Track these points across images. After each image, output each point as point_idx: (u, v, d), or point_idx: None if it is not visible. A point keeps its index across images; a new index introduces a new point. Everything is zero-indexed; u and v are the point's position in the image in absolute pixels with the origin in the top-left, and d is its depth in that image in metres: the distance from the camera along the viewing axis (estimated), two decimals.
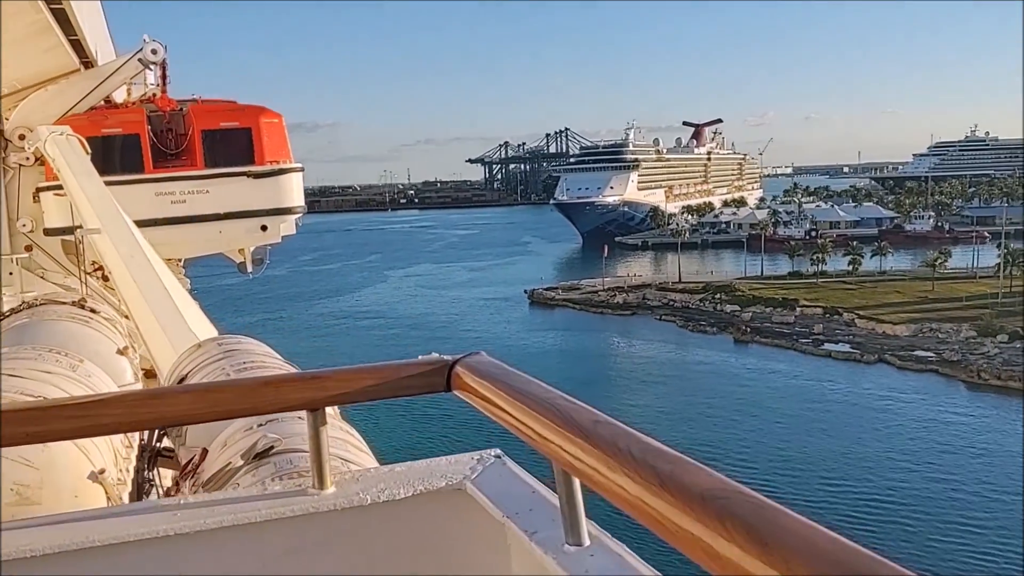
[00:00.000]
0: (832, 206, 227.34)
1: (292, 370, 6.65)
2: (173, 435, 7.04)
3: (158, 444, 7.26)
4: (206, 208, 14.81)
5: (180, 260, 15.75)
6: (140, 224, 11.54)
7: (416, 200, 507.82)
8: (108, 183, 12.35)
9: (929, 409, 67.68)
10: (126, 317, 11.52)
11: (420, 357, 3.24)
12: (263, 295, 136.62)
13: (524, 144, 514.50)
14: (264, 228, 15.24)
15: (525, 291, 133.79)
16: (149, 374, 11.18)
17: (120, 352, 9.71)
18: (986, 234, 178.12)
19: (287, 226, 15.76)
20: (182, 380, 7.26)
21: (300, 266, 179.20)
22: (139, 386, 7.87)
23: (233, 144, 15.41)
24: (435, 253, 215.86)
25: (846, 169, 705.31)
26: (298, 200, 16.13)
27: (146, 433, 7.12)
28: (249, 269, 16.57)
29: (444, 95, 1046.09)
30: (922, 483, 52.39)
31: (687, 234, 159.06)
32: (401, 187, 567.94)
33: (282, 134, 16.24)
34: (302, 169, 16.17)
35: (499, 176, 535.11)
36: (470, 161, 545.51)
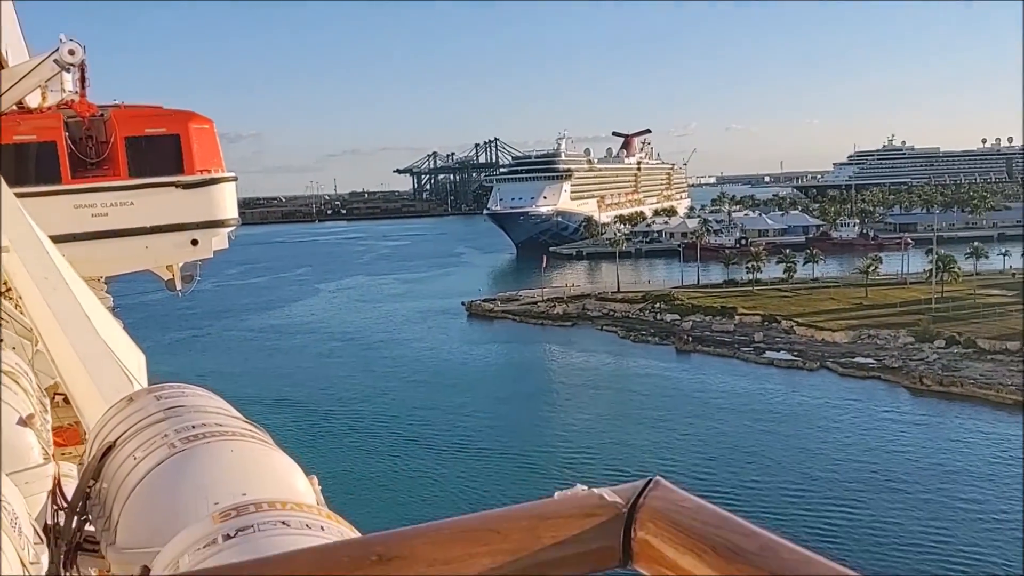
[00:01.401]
0: (760, 215, 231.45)
1: (251, 428, 5.37)
2: (95, 516, 5.15)
3: (78, 534, 5.27)
4: (130, 222, 13.59)
5: (101, 277, 14.34)
6: (57, 240, 10.51)
7: (344, 211, 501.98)
8: (20, 195, 10.97)
9: (874, 415, 68.06)
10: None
11: (557, 495, 1.98)
12: (190, 311, 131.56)
13: (453, 154, 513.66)
14: (195, 242, 14.06)
15: (462, 303, 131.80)
16: (64, 435, 9.58)
17: (24, 422, 7.33)
18: (910, 240, 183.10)
19: (219, 240, 14.53)
20: (110, 448, 5.56)
21: (227, 280, 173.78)
22: (49, 468, 5.83)
23: (160, 152, 14.17)
24: (367, 265, 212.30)
25: (767, 178, 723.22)
26: (231, 212, 14.60)
27: (61, 514, 5.42)
28: (178, 287, 15.26)
29: (370, 104, 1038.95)
30: (879, 489, 52.16)
31: (623, 244, 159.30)
32: (328, 198, 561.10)
33: (213, 141, 14.81)
34: (235, 179, 14.66)
35: (428, 186, 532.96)
36: (398, 171, 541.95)
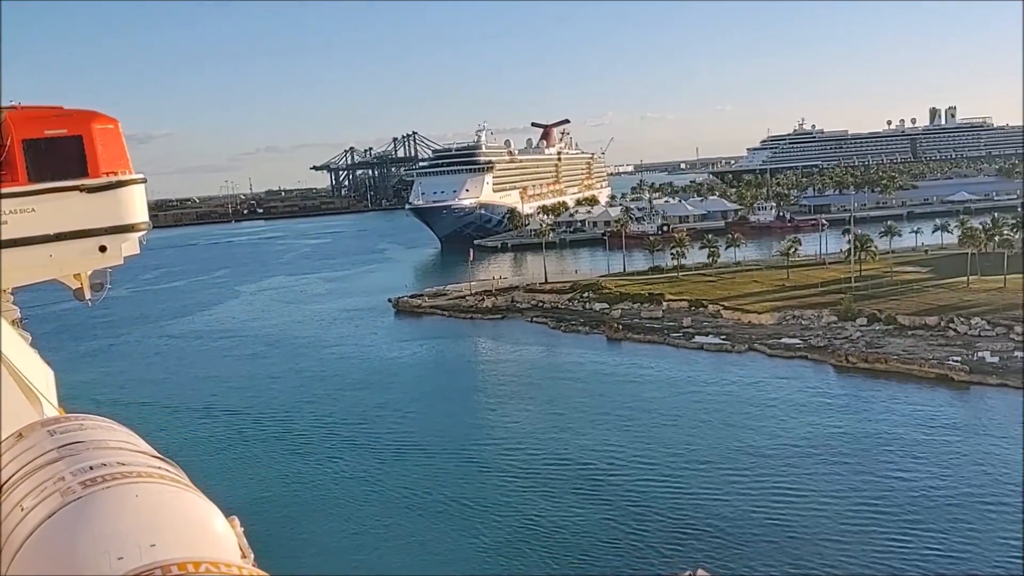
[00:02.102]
0: (680, 201, 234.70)
1: (161, 465, 4.96)
2: None
3: None
4: (32, 229, 12.62)
5: (9, 289, 13.37)
6: None
7: (261, 210, 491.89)
8: None
9: (804, 394, 69.12)
10: None
11: None
12: (104, 319, 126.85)
13: (371, 149, 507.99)
14: (103, 249, 13.13)
15: (389, 300, 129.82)
16: None
17: None
18: (824, 222, 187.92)
19: (129, 245, 13.55)
20: None
21: (143, 286, 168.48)
22: None
23: (62, 154, 13.17)
24: (288, 264, 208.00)
25: (683, 165, 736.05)
26: (141, 215, 13.57)
27: None
28: (87, 296, 14.05)
29: (285, 101, 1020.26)
30: (817, 466, 52.82)
31: (549, 234, 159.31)
32: (244, 197, 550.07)
33: (119, 142, 13.83)
34: (144, 180, 13.67)
35: (347, 183, 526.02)
36: (315, 168, 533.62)
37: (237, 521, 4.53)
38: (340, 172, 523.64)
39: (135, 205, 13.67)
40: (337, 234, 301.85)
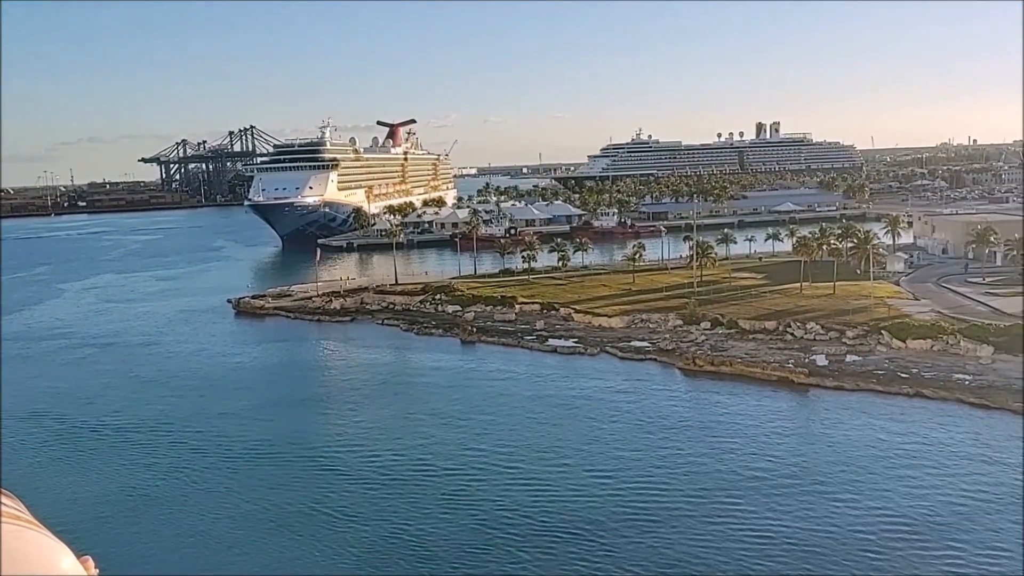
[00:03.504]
0: (526, 205, 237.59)
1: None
2: None
3: None
4: None
5: None
6: None
7: (83, 204, 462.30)
8: None
9: (654, 396, 70.79)
10: None
11: None
12: None
13: (205, 142, 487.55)
14: None
15: (229, 300, 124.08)
16: None
17: None
18: (662, 228, 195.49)
19: None
20: None
21: None
22: None
23: None
24: (116, 262, 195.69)
25: (525, 170, 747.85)
26: None
27: None
28: None
29: (110, 89, 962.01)
30: (669, 466, 53.97)
31: (402, 235, 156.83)
32: (64, 189, 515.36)
33: None
34: None
35: (178, 176, 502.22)
36: (144, 160, 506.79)
37: (91, 562, 3.84)
38: (171, 165, 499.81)
39: None
40: (169, 230, 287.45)
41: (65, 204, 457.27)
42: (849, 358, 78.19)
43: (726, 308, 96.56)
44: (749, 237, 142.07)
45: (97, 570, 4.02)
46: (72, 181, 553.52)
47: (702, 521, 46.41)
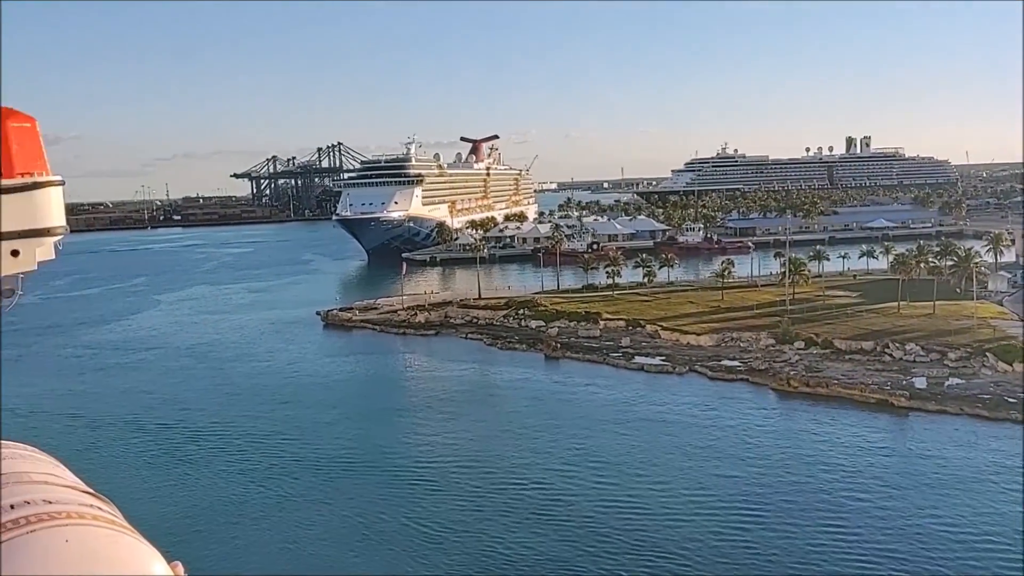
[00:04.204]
0: (609, 220, 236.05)
1: (93, 502, 4.35)
2: None
3: None
4: None
5: None
6: None
7: (178, 217, 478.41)
8: None
9: (748, 418, 68.77)
10: None
11: None
12: (14, 327, 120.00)
13: (294, 158, 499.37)
14: (15, 253, 12.05)
15: (317, 312, 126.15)
16: None
17: None
18: (750, 244, 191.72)
19: (45, 250, 12.47)
20: None
21: (54, 292, 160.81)
22: None
23: None
24: (210, 274, 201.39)
25: (606, 184, 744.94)
26: (59, 219, 12.63)
27: None
28: None
29: (202, 106, 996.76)
30: (767, 493, 52.19)
31: (485, 250, 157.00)
32: (160, 203, 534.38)
33: (36, 141, 12.81)
34: (63, 183, 12.41)
35: (268, 191, 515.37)
36: (236, 176, 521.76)
37: (181, 567, 4.05)
38: (262, 181, 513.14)
39: (52, 208, 12.88)
40: (259, 243, 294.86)
41: (161, 218, 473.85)
42: (951, 381, 74.85)
43: (820, 327, 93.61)
44: (843, 254, 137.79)
45: (186, 574, 4.15)
46: (167, 195, 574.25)
47: (803, 547, 44.65)
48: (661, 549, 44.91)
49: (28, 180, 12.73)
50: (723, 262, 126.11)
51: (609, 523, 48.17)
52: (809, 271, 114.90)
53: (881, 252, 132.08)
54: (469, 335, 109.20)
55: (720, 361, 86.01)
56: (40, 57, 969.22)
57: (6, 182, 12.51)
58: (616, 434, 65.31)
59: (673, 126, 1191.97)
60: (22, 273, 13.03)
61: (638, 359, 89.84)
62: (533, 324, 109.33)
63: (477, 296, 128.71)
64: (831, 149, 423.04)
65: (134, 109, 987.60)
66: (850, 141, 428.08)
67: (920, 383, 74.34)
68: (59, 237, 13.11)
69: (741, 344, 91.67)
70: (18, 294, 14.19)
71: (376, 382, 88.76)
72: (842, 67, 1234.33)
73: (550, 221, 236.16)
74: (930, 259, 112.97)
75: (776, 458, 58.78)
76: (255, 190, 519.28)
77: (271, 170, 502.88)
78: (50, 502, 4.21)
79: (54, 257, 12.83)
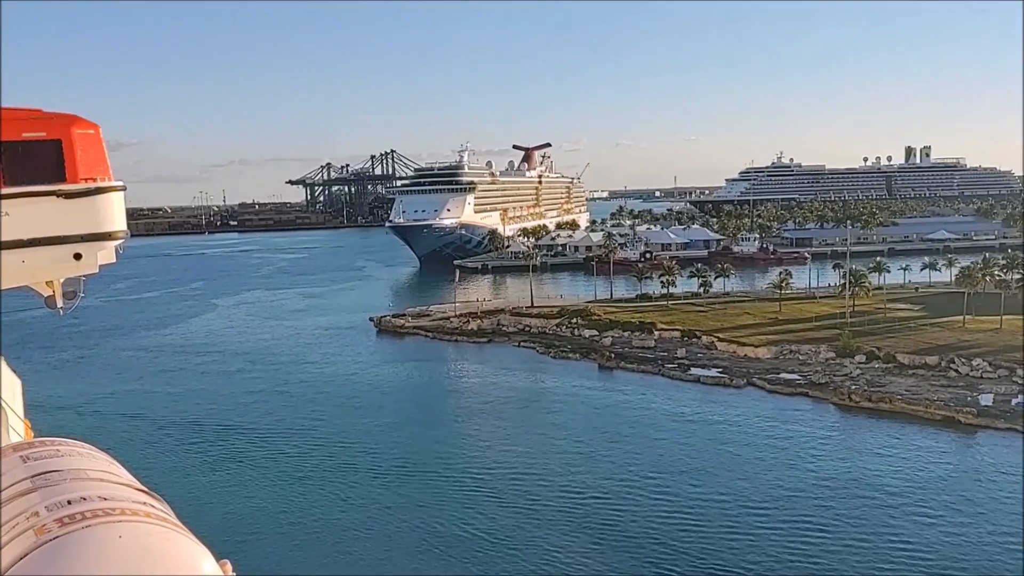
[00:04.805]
0: (662, 229, 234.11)
1: (146, 500, 4.56)
2: None
3: None
4: (5, 234, 11.89)
5: None
6: None
7: (234, 223, 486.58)
8: None
9: (810, 434, 67.25)
10: None
11: None
12: (76, 329, 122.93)
13: (348, 165, 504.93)
14: (78, 257, 12.25)
15: (370, 319, 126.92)
16: None
17: None
18: (807, 255, 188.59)
19: (106, 254, 12.72)
20: None
21: (115, 295, 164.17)
22: None
23: (39, 158, 12.38)
24: (265, 279, 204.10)
25: (658, 193, 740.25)
26: (120, 224, 12.86)
27: None
28: (59, 304, 13.06)
29: (257, 114, 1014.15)
30: (833, 513, 50.83)
31: (538, 258, 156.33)
32: (217, 209, 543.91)
33: (100, 147, 12.94)
34: (124, 188, 12.66)
35: (322, 198, 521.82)
36: (291, 182, 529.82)
37: (229, 566, 4.17)
38: (316, 187, 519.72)
39: (113, 213, 12.47)
40: (313, 249, 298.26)
41: (218, 223, 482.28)
42: (1020, 399, 72.27)
43: (882, 341, 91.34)
44: (904, 266, 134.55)
45: (235, 574, 4.23)
46: (224, 201, 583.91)
47: (870, 570, 43.32)
48: (725, 564, 43.94)
49: (91, 185, 12.35)
50: (780, 273, 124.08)
51: (670, 538, 47.29)
52: (870, 283, 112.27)
53: (944, 264, 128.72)
54: (522, 343, 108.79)
55: (779, 374, 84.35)
56: (101, 63, 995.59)
57: (69, 187, 12.28)
58: (674, 446, 64.33)
59: (725, 135, 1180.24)
60: (84, 276, 12.84)
61: (694, 371, 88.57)
62: (586, 333, 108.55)
63: (529, 304, 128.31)
64: (889, 159, 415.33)
65: (192, 116, 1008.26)
66: (909, 151, 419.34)
67: (986, 400, 72.02)
68: (120, 241, 13.30)
69: (800, 357, 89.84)
70: (80, 296, 14.57)
71: (430, 389, 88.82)
72: (902, 75, 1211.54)
73: (602, 229, 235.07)
74: (996, 272, 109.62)
75: (840, 476, 57.27)
76: (309, 196, 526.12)
77: (325, 177, 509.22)
78: (105, 499, 4.38)
79: (115, 261, 13.14)
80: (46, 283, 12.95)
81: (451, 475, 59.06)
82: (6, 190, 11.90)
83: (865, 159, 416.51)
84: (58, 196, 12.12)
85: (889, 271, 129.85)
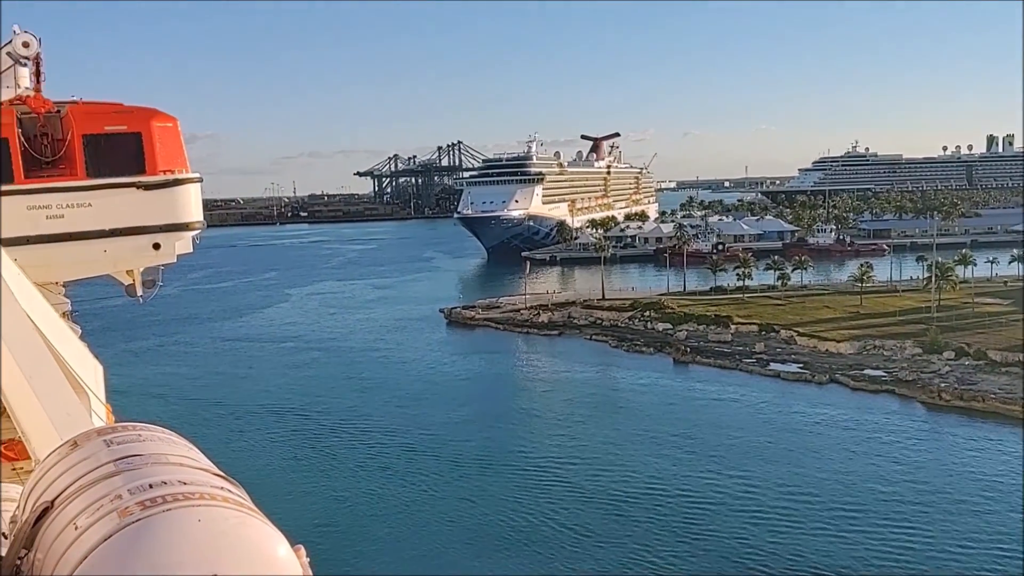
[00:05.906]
0: (735, 220, 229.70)
1: (224, 485, 4.68)
2: None
3: None
4: (88, 224, 13.04)
5: (58, 282, 13.69)
6: (9, 243, 10.49)
7: (304, 214, 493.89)
8: None
9: (898, 433, 64.86)
10: None
11: None
12: (153, 317, 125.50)
13: (415, 157, 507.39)
14: (157, 246, 13.54)
15: (441, 310, 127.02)
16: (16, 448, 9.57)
17: None
18: (885, 247, 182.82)
19: (183, 244, 13.95)
20: (47, 510, 4.72)
21: (191, 284, 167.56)
22: None
23: (120, 151, 13.55)
24: (336, 270, 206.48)
25: (728, 183, 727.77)
26: (196, 214, 13.93)
27: None
28: (139, 292, 14.46)
29: (327, 107, 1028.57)
30: (927, 514, 48.79)
31: (608, 250, 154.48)
32: (288, 200, 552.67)
33: (177, 140, 14.16)
34: (200, 180, 14.00)
35: (389, 189, 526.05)
36: (359, 174, 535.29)
37: (303, 551, 4.30)
38: (383, 179, 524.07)
39: (190, 204, 13.76)
40: (382, 240, 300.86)
41: (289, 214, 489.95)
42: None
43: (971, 336, 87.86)
44: (991, 259, 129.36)
45: (308, 559, 4.33)
46: (295, 192, 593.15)
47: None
48: (814, 565, 42.44)
49: (170, 177, 13.45)
50: (861, 265, 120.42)
51: (758, 539, 45.91)
52: (956, 276, 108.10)
53: None
54: (593, 336, 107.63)
55: (863, 370, 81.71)
56: (178, 56, 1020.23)
57: (149, 178, 13.28)
58: (755, 444, 62.64)
59: (797, 124, 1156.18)
60: (163, 265, 13.95)
61: (773, 366, 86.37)
62: (660, 327, 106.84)
63: (600, 296, 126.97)
64: (970, 148, 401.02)
65: (263, 109, 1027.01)
66: (991, 140, 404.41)
67: None
68: (197, 231, 13.86)
69: (884, 353, 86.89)
70: (159, 285, 14.78)
71: (503, 382, 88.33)
72: (983, 61, 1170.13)
73: (672, 220, 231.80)
74: None
75: (933, 476, 55.03)
76: (377, 188, 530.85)
77: (392, 168, 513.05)
78: (185, 483, 4.49)
79: (192, 251, 13.74)
80: (127, 272, 14.08)
81: (530, 469, 58.48)
82: (89, 181, 12.95)
83: (944, 148, 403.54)
84: (138, 188, 13.21)
85: (976, 264, 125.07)
